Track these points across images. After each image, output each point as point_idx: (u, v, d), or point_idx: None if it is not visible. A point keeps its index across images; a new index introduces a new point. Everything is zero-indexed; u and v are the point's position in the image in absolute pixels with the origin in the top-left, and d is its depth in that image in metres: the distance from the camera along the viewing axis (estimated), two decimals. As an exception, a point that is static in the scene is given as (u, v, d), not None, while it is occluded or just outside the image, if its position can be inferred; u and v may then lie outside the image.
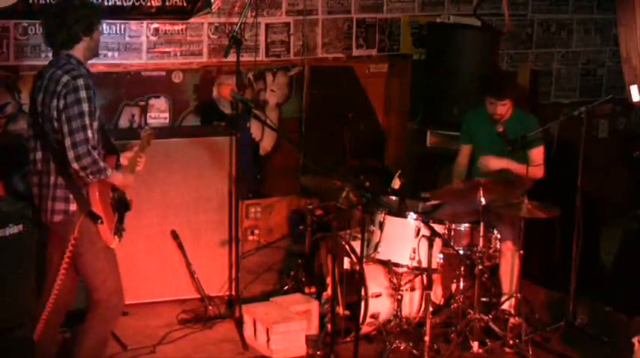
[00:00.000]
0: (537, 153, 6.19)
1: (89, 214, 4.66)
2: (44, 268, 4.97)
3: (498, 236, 5.95)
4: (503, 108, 6.16)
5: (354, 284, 5.71)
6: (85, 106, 4.54)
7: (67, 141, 4.52)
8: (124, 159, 5.02)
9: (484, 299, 6.10)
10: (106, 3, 6.39)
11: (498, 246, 5.96)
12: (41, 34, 4.88)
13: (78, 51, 4.71)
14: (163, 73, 6.84)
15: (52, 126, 4.60)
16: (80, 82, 4.55)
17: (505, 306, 6.13)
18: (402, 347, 5.68)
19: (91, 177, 4.59)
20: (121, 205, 4.94)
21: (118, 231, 4.86)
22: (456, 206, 6.16)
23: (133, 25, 6.64)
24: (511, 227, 6.06)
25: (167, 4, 6.64)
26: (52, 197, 4.69)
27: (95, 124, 4.63)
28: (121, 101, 6.69)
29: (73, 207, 4.68)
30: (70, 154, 4.52)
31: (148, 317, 6.18)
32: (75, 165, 4.54)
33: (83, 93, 4.55)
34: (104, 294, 4.86)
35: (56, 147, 4.62)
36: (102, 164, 4.60)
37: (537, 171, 6.15)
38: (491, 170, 6.13)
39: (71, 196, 4.66)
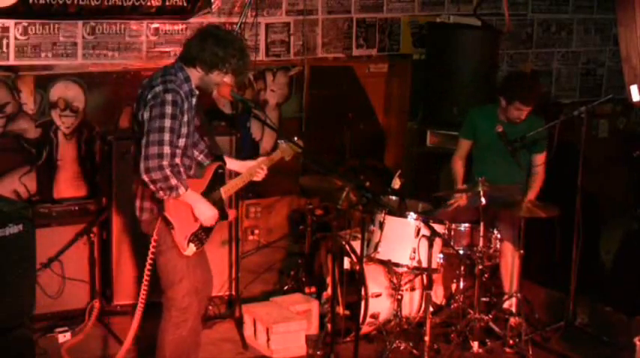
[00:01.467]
0: (541, 159, 6.20)
1: (163, 218, 4.72)
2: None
3: (498, 236, 5.95)
4: (526, 114, 6.14)
5: (354, 284, 5.71)
6: (168, 122, 4.56)
7: (143, 152, 4.56)
8: (243, 167, 5.08)
9: (484, 299, 6.11)
10: (106, 3, 6.39)
11: (498, 246, 5.96)
12: None
13: (192, 72, 4.75)
14: (163, 73, 6.84)
15: (140, 129, 4.66)
16: (169, 96, 4.58)
17: (505, 306, 6.14)
18: (402, 347, 5.68)
19: (160, 192, 4.62)
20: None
21: (197, 239, 4.82)
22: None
23: (133, 25, 6.63)
24: (511, 227, 6.06)
25: (167, 4, 6.64)
26: (141, 195, 4.77)
27: (181, 141, 4.67)
28: (122, 101, 6.68)
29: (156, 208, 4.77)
30: (142, 165, 4.56)
31: (148, 317, 6.16)
32: (144, 177, 4.57)
33: (169, 109, 4.57)
34: (179, 293, 4.83)
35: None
36: (173, 182, 4.59)
37: (541, 178, 6.20)
38: None
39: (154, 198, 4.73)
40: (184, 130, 4.70)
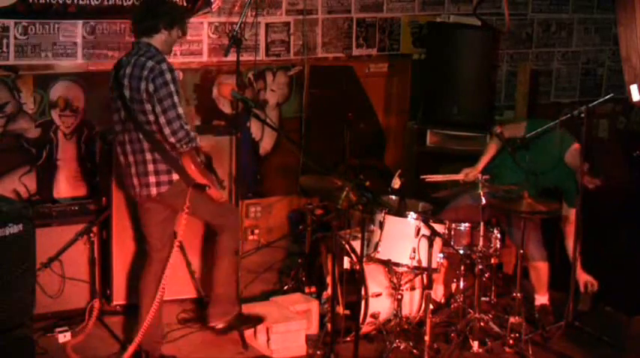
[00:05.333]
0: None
1: (196, 187, 5.22)
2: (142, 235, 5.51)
3: (498, 235, 5.93)
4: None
5: (354, 283, 5.71)
6: (172, 87, 5.06)
7: (162, 119, 5.05)
8: None
9: (484, 298, 6.11)
10: (106, 3, 6.39)
11: (498, 246, 5.94)
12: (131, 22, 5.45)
13: (157, 41, 5.22)
14: (163, 73, 6.84)
15: (142, 107, 5.10)
16: (164, 65, 5.08)
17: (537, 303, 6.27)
18: (402, 347, 5.68)
19: (185, 147, 5.11)
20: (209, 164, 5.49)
21: (221, 184, 5.46)
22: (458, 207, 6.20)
23: (133, 24, 6.63)
24: (531, 231, 6.04)
25: (167, 3, 6.64)
26: (153, 171, 5.19)
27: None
28: (121, 101, 6.68)
29: (175, 176, 5.21)
30: (167, 130, 5.05)
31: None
32: (172, 139, 5.06)
33: (168, 76, 5.06)
34: (232, 216, 5.60)
35: (147, 127, 5.12)
36: (192, 134, 5.13)
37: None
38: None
39: (172, 167, 5.18)
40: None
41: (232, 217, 5.64)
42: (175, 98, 5.06)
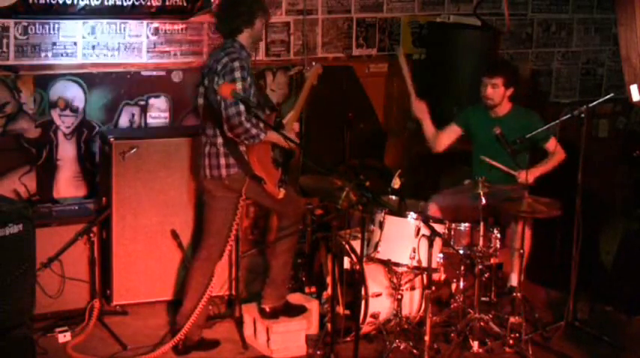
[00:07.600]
0: (552, 145, 6.24)
1: (252, 177, 5.47)
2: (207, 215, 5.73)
3: (498, 235, 5.93)
4: (492, 90, 6.18)
5: (354, 283, 5.71)
6: (239, 85, 5.32)
7: (224, 114, 5.35)
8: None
9: (484, 298, 6.11)
10: (106, 3, 6.39)
11: (498, 246, 5.94)
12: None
13: (242, 38, 5.56)
14: (163, 73, 6.84)
15: (215, 98, 5.41)
16: (236, 64, 5.38)
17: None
18: (402, 347, 5.68)
19: (246, 142, 5.42)
20: (284, 158, 5.70)
21: (282, 183, 5.61)
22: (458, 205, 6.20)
23: (133, 24, 6.63)
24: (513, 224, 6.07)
25: (167, 3, 6.64)
26: (224, 154, 5.50)
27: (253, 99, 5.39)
28: (121, 101, 6.68)
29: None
30: (226, 125, 5.36)
31: (148, 317, 6.18)
32: (230, 134, 5.38)
33: (237, 74, 5.35)
34: (293, 205, 5.82)
35: (219, 116, 5.39)
36: (254, 131, 5.37)
37: (559, 157, 6.25)
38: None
39: (232, 154, 5.49)
40: (252, 90, 5.45)
41: (294, 206, 5.83)
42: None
